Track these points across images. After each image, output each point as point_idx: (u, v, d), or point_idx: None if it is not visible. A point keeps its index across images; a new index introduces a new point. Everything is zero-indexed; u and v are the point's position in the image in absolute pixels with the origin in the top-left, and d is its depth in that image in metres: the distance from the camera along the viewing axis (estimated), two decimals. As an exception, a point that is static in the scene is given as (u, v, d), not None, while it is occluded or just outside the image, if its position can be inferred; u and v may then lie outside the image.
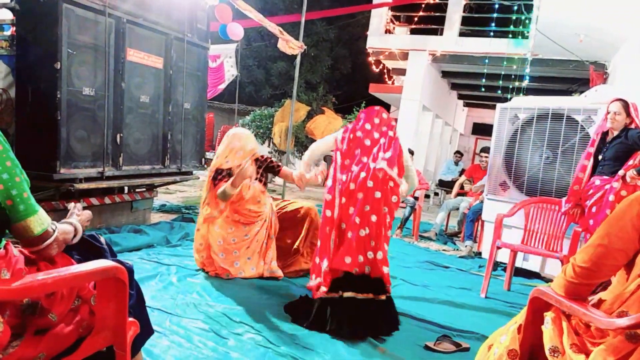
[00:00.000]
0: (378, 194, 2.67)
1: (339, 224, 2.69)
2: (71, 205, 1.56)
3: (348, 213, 2.68)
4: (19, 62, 3.47)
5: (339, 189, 2.72)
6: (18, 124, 3.49)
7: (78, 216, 1.51)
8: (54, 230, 1.33)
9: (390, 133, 2.94)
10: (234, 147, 3.34)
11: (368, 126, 2.94)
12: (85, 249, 1.53)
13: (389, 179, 2.71)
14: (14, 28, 3.52)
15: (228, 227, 3.35)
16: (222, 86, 8.97)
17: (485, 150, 5.69)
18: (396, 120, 10.76)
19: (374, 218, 2.65)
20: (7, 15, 3.66)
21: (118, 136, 3.89)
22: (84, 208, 1.59)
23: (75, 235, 1.44)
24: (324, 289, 2.64)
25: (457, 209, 6.25)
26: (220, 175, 3.32)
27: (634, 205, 1.31)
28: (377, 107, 3.07)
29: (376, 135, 2.92)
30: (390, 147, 2.84)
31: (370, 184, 2.68)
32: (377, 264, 2.64)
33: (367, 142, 2.88)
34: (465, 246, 5.13)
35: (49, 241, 1.30)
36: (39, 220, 1.27)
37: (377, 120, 2.97)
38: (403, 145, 3.00)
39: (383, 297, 2.67)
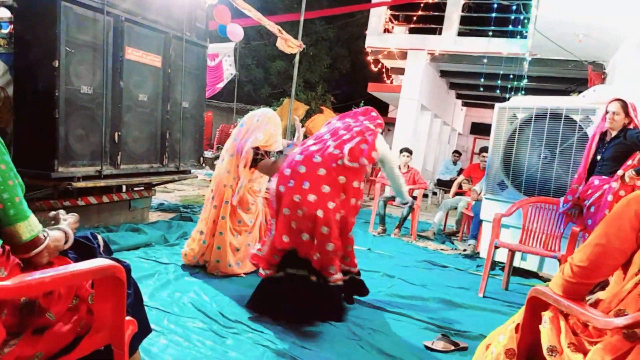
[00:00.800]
0: (322, 171, 2.57)
1: (279, 200, 2.66)
2: (52, 213, 1.49)
3: (288, 186, 2.61)
4: (17, 60, 3.46)
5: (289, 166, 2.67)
6: (16, 123, 3.48)
7: (65, 221, 1.48)
8: (46, 238, 1.31)
9: (370, 125, 2.84)
10: (273, 133, 3.42)
11: (349, 119, 2.92)
12: (81, 248, 1.53)
13: (340, 165, 2.59)
14: (12, 26, 3.51)
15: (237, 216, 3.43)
16: (221, 85, 8.97)
17: (485, 150, 5.69)
18: (394, 121, 10.79)
19: (311, 197, 2.52)
20: (5, 13, 3.65)
21: (116, 135, 3.88)
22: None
23: (66, 241, 1.42)
24: (268, 271, 2.70)
25: (455, 208, 6.26)
26: (258, 157, 3.35)
27: (631, 205, 1.32)
28: (369, 107, 3.04)
29: (352, 122, 2.85)
30: (359, 135, 2.73)
31: (317, 159, 2.61)
32: (316, 250, 2.56)
33: (338, 124, 2.84)
34: (469, 245, 5.13)
35: (39, 249, 1.28)
36: (29, 226, 1.25)
37: (362, 118, 2.93)
38: (383, 143, 2.87)
39: (318, 279, 2.63)
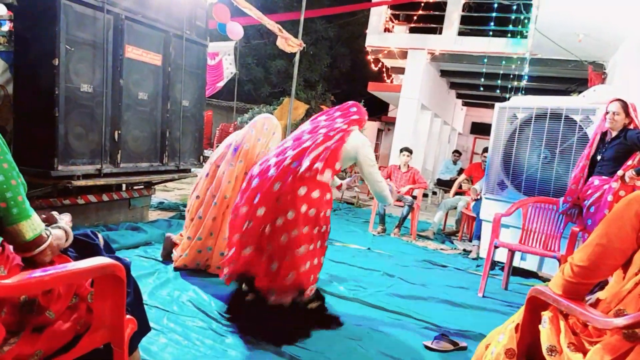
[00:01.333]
0: (277, 185, 2.38)
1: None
2: (43, 215, 1.45)
3: (243, 199, 2.50)
4: (17, 58, 3.46)
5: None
6: (16, 121, 3.47)
7: (62, 220, 1.47)
8: (48, 236, 1.31)
9: (341, 124, 2.54)
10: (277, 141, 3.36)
11: (323, 117, 2.66)
12: (81, 246, 1.53)
13: (297, 177, 2.38)
14: (12, 24, 3.51)
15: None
16: (221, 84, 8.96)
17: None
18: (394, 120, 10.78)
19: (260, 211, 2.37)
20: (4, 11, 3.65)
21: (116, 133, 3.88)
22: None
23: (66, 240, 1.42)
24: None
25: (455, 208, 6.26)
26: None
27: (632, 205, 1.32)
28: (351, 102, 2.73)
29: (324, 121, 2.59)
30: (324, 141, 2.46)
31: (272, 172, 2.43)
32: (263, 267, 2.40)
33: (306, 127, 2.62)
34: (473, 245, 5.10)
35: (42, 247, 1.28)
36: (32, 225, 1.25)
37: (338, 113, 2.65)
38: (357, 140, 2.57)
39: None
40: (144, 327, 1.64)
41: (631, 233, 1.30)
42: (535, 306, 1.47)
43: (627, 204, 1.33)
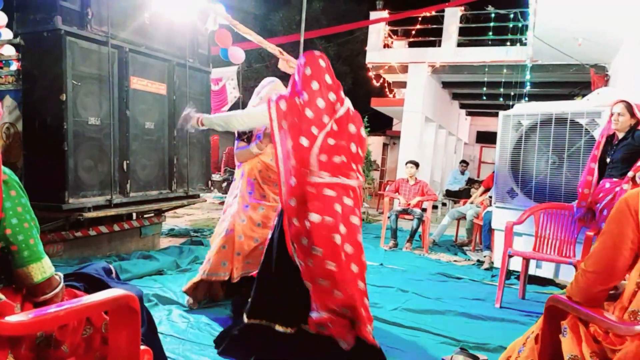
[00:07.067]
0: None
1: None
2: None
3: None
4: (26, 96, 3.53)
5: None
6: (26, 157, 3.53)
7: None
8: (61, 279, 1.33)
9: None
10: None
11: (315, 85, 2.23)
12: (89, 280, 1.54)
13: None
14: (19, 63, 3.59)
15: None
16: (225, 108, 9.04)
17: None
18: (398, 134, 10.80)
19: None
20: (12, 52, 3.74)
21: (125, 163, 3.92)
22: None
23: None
24: None
25: (464, 217, 6.21)
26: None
27: (629, 203, 1.32)
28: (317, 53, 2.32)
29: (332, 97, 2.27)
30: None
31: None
32: None
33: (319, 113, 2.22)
34: (485, 256, 5.04)
35: (56, 290, 1.30)
36: (41, 267, 1.26)
37: (328, 79, 2.26)
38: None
39: None
40: (160, 358, 1.63)
41: (635, 229, 1.28)
42: (554, 315, 1.44)
43: (625, 203, 1.33)
